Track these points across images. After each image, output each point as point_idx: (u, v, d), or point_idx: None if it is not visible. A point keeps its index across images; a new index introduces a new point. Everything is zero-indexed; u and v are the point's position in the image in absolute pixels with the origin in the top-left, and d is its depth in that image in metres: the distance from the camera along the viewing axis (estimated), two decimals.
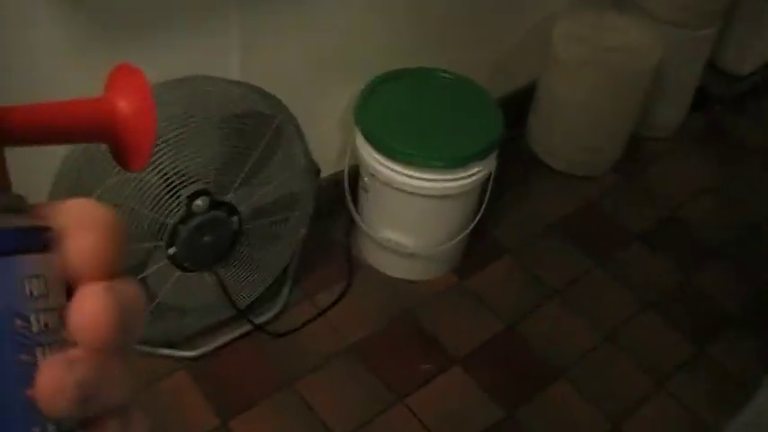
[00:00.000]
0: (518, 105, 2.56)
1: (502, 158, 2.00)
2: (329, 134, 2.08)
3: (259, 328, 1.93)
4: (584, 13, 2.47)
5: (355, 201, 2.08)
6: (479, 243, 2.22)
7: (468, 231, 2.09)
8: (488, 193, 2.05)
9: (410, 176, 1.88)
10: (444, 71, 2.07)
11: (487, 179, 2.00)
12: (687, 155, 2.76)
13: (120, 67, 0.33)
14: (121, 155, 0.32)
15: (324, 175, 2.09)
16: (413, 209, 1.99)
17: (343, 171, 2.07)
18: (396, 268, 2.14)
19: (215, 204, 1.67)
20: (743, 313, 2.26)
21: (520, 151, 2.56)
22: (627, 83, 2.40)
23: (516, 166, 2.48)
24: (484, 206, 2.06)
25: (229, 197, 1.69)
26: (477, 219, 2.08)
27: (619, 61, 2.35)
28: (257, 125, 1.69)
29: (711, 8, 2.54)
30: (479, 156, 1.90)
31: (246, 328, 1.92)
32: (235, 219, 1.72)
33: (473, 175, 1.92)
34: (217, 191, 1.67)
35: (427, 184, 1.89)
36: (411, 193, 1.91)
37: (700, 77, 2.74)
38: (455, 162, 1.88)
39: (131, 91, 0.32)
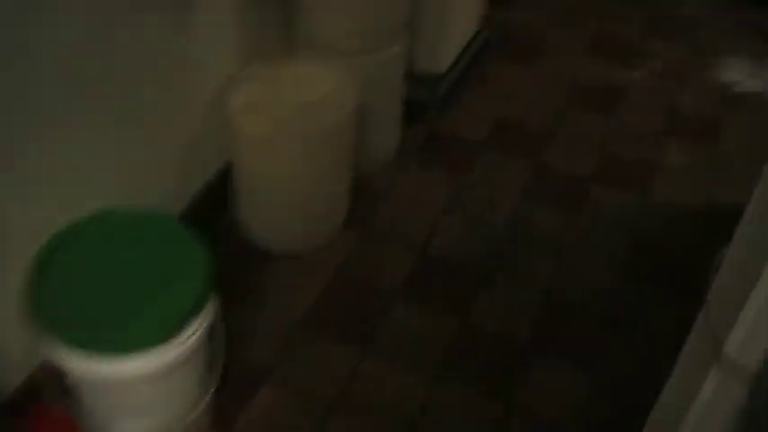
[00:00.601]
0: (219, 195, 2.24)
1: (219, 260, 1.64)
2: (12, 337, 1.66)
3: None
4: (259, 72, 2.16)
5: (70, 398, 1.68)
6: (232, 379, 1.89)
7: (215, 384, 1.75)
8: (220, 331, 1.72)
9: (117, 366, 1.50)
10: (121, 211, 1.70)
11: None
12: (415, 177, 2.54)
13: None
14: None
15: (19, 382, 1.69)
16: (137, 396, 1.61)
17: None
18: None
19: None
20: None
21: (237, 245, 2.23)
22: (328, 138, 2.12)
23: (238, 266, 2.16)
24: (220, 344, 1.73)
25: None
26: (220, 365, 1.75)
27: (312, 118, 2.07)
28: None
29: (394, 26, 2.31)
30: (194, 311, 1.56)
31: None
32: None
33: (194, 333, 1.56)
34: None
35: (142, 367, 1.51)
36: (126, 383, 1.54)
37: (404, 91, 2.51)
38: (166, 333, 1.52)
39: None
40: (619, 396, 1.95)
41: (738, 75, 3.24)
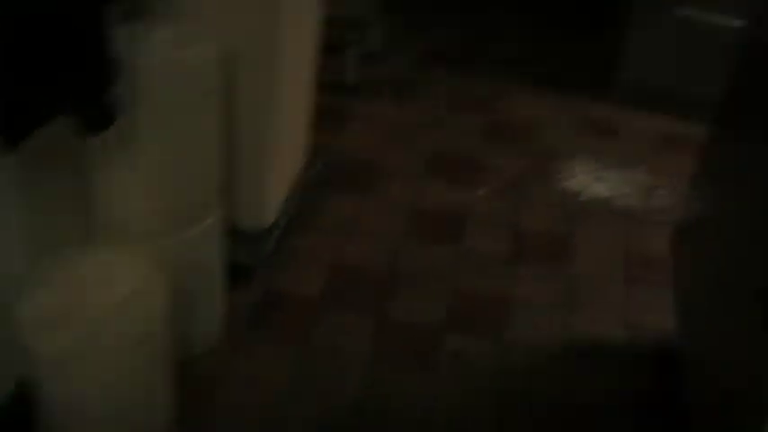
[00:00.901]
0: (19, 417, 1.91)
1: None
2: None
3: None
4: (53, 273, 1.84)
5: None
6: None
7: None
8: None
9: None
10: None
11: None
12: (247, 356, 2.24)
13: None
14: None
15: None
16: None
17: None
18: None
19: None
20: None
21: None
22: (138, 341, 1.82)
23: None
24: None
25: None
26: None
27: (118, 322, 1.77)
28: None
29: (205, 197, 2.05)
30: None
31: None
32: None
33: None
34: None
35: None
36: None
37: (225, 258, 2.23)
38: None
39: None
40: None
41: (583, 179, 3.12)
